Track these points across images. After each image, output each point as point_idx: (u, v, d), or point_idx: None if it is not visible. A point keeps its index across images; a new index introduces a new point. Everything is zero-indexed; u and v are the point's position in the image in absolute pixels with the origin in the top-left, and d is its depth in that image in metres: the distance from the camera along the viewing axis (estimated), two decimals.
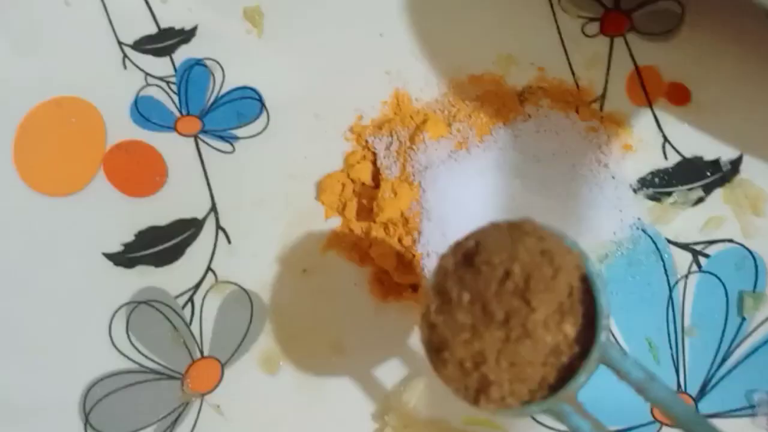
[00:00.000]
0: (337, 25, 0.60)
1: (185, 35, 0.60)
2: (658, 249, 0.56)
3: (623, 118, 0.59)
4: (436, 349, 0.36)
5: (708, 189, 0.57)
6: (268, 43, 0.60)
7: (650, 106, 0.59)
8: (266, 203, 0.57)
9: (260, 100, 0.59)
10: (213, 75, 0.59)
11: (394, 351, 0.52)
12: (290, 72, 0.59)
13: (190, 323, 0.54)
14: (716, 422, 0.44)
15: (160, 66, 0.59)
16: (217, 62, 0.60)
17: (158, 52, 0.59)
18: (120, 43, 0.59)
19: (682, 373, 0.53)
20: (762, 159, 0.56)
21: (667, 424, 0.52)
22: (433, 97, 0.59)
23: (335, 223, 0.56)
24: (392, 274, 0.50)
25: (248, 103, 0.59)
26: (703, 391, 0.52)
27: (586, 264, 0.36)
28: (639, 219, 0.56)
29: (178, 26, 0.60)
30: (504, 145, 0.54)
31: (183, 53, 0.59)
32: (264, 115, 0.59)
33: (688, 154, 0.58)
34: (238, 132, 0.58)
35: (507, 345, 0.33)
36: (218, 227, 0.56)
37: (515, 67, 0.60)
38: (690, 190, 0.57)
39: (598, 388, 0.47)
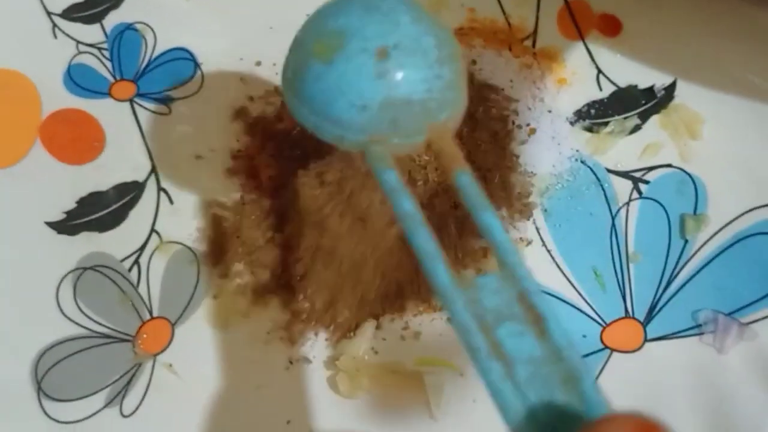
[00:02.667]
0: None
1: (114, 1, 0.60)
2: (598, 179, 0.57)
3: (556, 53, 0.60)
4: None
5: (644, 116, 0.58)
6: (198, 3, 0.61)
7: (582, 39, 0.60)
8: (205, 161, 0.58)
9: (193, 60, 0.60)
10: (145, 38, 0.60)
11: None
12: (222, 29, 0.61)
13: (138, 285, 0.55)
14: (664, 344, 0.51)
15: (91, 33, 0.60)
16: (148, 25, 0.60)
17: (88, 20, 0.60)
18: (48, 13, 0.60)
19: (629, 298, 0.55)
20: (695, 82, 0.57)
21: (616, 350, 0.52)
22: None
23: None
24: None
25: (182, 64, 0.60)
26: (650, 315, 0.54)
27: None
28: (577, 151, 0.58)
29: None
30: None
31: (113, 18, 0.61)
32: (198, 74, 0.60)
33: (622, 84, 0.59)
34: (174, 93, 0.59)
35: None
36: (159, 188, 0.57)
37: (446, 9, 0.61)
38: (626, 118, 0.58)
39: None
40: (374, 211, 0.50)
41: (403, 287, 0.55)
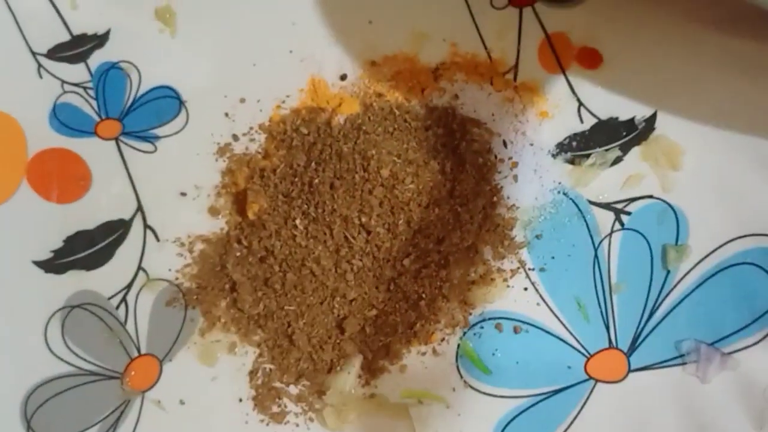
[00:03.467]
0: (249, 17, 0.62)
1: (99, 40, 0.61)
2: (580, 210, 0.58)
3: (537, 86, 0.60)
4: None
5: (625, 148, 0.59)
6: (182, 41, 0.62)
7: (563, 72, 0.60)
8: (190, 198, 0.59)
9: (178, 97, 0.61)
10: (129, 77, 0.61)
11: None
12: (206, 67, 0.61)
13: (125, 323, 0.56)
14: (648, 374, 0.52)
15: (76, 72, 0.60)
16: (133, 64, 0.61)
17: (73, 59, 0.61)
18: (33, 53, 0.60)
19: (612, 329, 0.55)
20: (675, 114, 0.58)
21: (600, 380, 0.51)
22: (350, 81, 0.60)
23: None
24: None
25: (167, 102, 0.61)
26: (634, 345, 0.54)
27: None
28: (559, 183, 0.58)
29: (90, 31, 0.61)
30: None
31: (98, 58, 0.61)
32: (183, 112, 0.61)
33: (603, 116, 0.60)
34: (159, 131, 0.60)
35: None
36: (146, 226, 0.58)
37: (428, 44, 0.61)
38: (607, 150, 0.58)
39: (527, 348, 0.51)
40: (359, 248, 0.50)
41: (392, 323, 0.56)
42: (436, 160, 0.56)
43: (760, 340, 0.52)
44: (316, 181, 0.55)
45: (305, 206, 0.56)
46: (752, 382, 0.51)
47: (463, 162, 0.57)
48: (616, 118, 0.59)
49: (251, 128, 0.61)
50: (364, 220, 0.54)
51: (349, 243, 0.54)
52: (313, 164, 0.56)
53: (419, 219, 0.54)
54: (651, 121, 0.59)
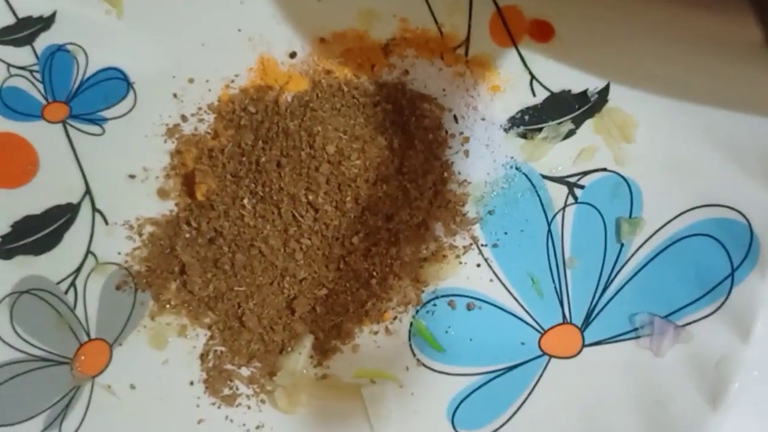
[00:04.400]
0: None
1: (44, 22, 0.61)
2: (533, 185, 0.58)
3: (489, 60, 0.60)
4: None
5: (578, 121, 0.58)
6: (128, 22, 0.61)
7: (515, 45, 0.60)
8: (139, 180, 0.58)
9: (126, 79, 0.60)
10: (76, 59, 0.60)
11: None
12: (154, 48, 0.61)
13: (75, 307, 0.55)
14: (602, 348, 0.52)
15: (22, 55, 0.60)
16: (80, 46, 0.61)
17: (18, 42, 0.60)
18: None
19: (566, 304, 0.55)
20: (628, 86, 0.57)
21: (554, 356, 0.51)
22: (299, 59, 0.61)
23: None
24: None
25: (114, 84, 0.61)
26: (587, 320, 0.54)
27: None
28: (512, 158, 0.58)
29: (36, 14, 0.61)
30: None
31: (44, 40, 0.61)
32: (131, 93, 0.60)
33: (555, 89, 0.59)
34: (107, 113, 0.60)
35: None
36: (94, 209, 0.57)
37: (377, 20, 0.61)
38: (560, 124, 0.58)
39: (481, 325, 0.52)
40: (307, 226, 0.50)
41: (343, 303, 0.56)
42: (383, 136, 0.55)
43: (713, 312, 0.52)
44: (263, 159, 0.55)
45: (253, 185, 0.56)
46: (706, 355, 0.51)
47: (413, 138, 0.56)
48: (569, 91, 0.59)
49: (200, 108, 0.60)
50: (311, 197, 0.53)
51: (297, 222, 0.54)
52: (260, 143, 0.56)
53: (367, 196, 0.54)
54: (604, 93, 0.59)
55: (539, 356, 0.54)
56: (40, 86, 0.59)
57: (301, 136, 0.54)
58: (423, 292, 0.55)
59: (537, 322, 0.54)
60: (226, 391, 0.53)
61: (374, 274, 0.55)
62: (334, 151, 0.53)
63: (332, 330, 0.54)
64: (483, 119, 0.59)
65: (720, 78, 0.55)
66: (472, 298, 0.55)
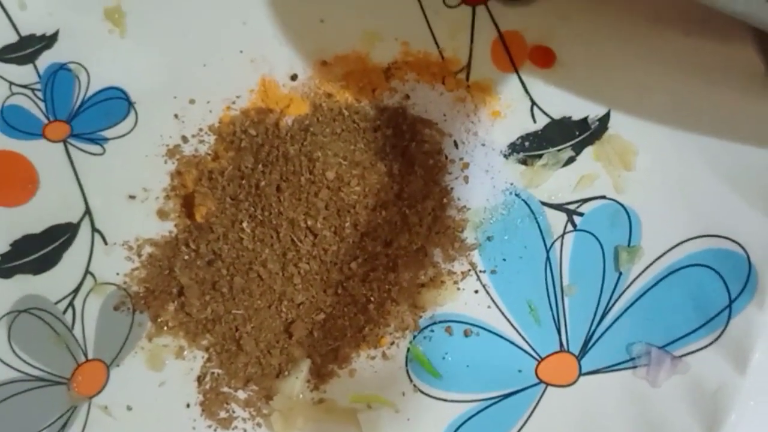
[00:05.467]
0: (200, 17, 0.62)
1: (47, 41, 0.61)
2: (532, 212, 0.58)
3: (490, 86, 0.60)
4: None
5: (578, 148, 0.58)
6: (131, 42, 0.62)
7: (516, 71, 0.60)
8: (139, 201, 0.59)
9: (127, 99, 0.61)
10: (78, 78, 0.61)
11: None
12: (156, 68, 0.61)
13: (73, 327, 0.56)
14: (599, 377, 0.51)
15: (24, 74, 0.60)
16: (82, 65, 0.61)
17: (21, 60, 0.61)
18: None
19: (564, 332, 0.55)
20: (629, 113, 0.58)
21: (551, 384, 0.52)
22: (300, 81, 0.61)
23: None
24: None
25: (116, 104, 0.61)
26: (585, 349, 0.54)
27: None
28: (511, 184, 0.58)
29: (39, 32, 0.61)
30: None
31: (46, 59, 0.61)
32: (132, 113, 0.61)
33: (556, 116, 0.59)
34: (107, 133, 0.60)
35: None
36: (93, 229, 0.58)
37: (380, 43, 0.61)
38: (560, 150, 0.58)
39: (478, 352, 0.53)
40: (306, 251, 0.50)
41: (341, 327, 0.56)
42: (383, 162, 0.56)
43: (711, 343, 0.52)
44: (263, 183, 0.55)
45: (252, 209, 0.56)
46: (702, 385, 0.51)
47: (413, 163, 0.57)
48: (570, 118, 0.59)
49: (201, 129, 0.61)
50: (310, 222, 0.54)
51: (295, 246, 0.54)
52: (260, 166, 0.56)
53: (366, 222, 0.54)
54: (604, 120, 0.59)
55: (536, 384, 0.54)
56: (42, 105, 0.60)
57: (301, 161, 0.55)
58: (420, 317, 0.55)
59: (534, 350, 0.54)
60: (223, 414, 0.53)
61: (372, 299, 0.55)
62: (333, 177, 0.54)
63: (329, 354, 0.55)
64: (483, 145, 0.59)
65: (721, 108, 0.55)
66: (469, 324, 0.55)
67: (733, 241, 0.53)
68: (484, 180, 0.59)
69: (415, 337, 0.55)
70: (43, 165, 0.59)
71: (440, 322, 0.56)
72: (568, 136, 0.59)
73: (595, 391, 0.53)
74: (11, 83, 0.60)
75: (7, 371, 0.54)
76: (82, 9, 0.61)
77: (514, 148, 0.59)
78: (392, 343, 0.55)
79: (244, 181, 0.57)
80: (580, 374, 0.54)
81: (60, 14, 0.62)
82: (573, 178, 0.58)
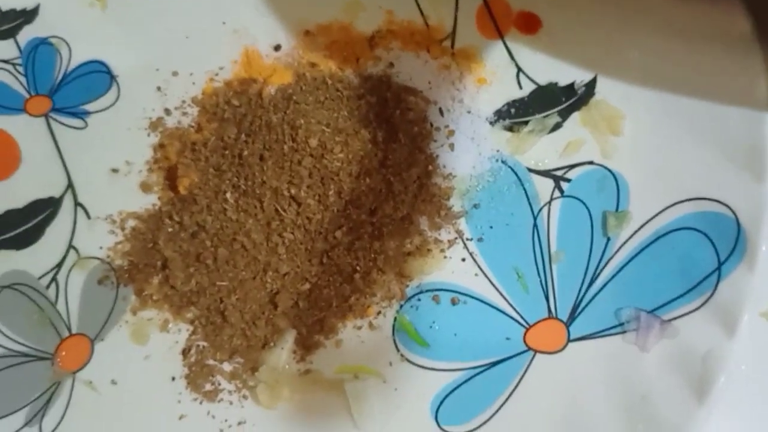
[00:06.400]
0: None
1: (27, 15, 0.61)
2: (519, 178, 0.58)
3: (475, 53, 0.60)
4: None
5: (564, 114, 0.58)
6: (112, 15, 0.62)
7: (501, 37, 0.60)
8: (122, 174, 0.59)
9: (109, 72, 0.61)
10: (59, 52, 0.61)
11: None
12: (137, 41, 0.61)
13: (56, 302, 0.56)
14: (588, 343, 0.52)
15: (5, 48, 0.61)
16: (63, 39, 0.61)
17: (1, 35, 0.61)
18: None
19: (552, 299, 0.55)
20: (616, 78, 0.58)
21: (539, 351, 0.51)
22: (284, 51, 0.61)
23: None
24: None
25: (97, 77, 0.61)
26: (573, 315, 0.54)
27: None
28: (498, 151, 0.59)
29: (19, 7, 0.61)
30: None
31: (27, 33, 0.61)
32: (114, 87, 0.61)
33: (542, 82, 0.59)
34: (89, 107, 0.60)
35: None
36: (76, 203, 0.58)
37: (363, 12, 0.61)
38: (546, 116, 0.58)
39: (465, 320, 0.53)
40: (290, 220, 0.50)
41: (326, 297, 0.56)
42: (367, 129, 0.56)
43: (699, 307, 0.52)
44: (246, 153, 0.55)
45: (236, 179, 0.56)
46: (692, 350, 0.51)
47: (397, 131, 0.57)
48: (556, 84, 0.59)
49: (183, 102, 0.61)
50: (293, 191, 0.54)
51: (279, 216, 0.54)
52: (243, 136, 0.57)
53: (350, 189, 0.54)
54: (591, 86, 0.59)
55: (524, 351, 0.54)
56: (23, 79, 0.60)
57: (284, 129, 0.55)
58: (407, 286, 0.56)
59: (522, 317, 0.54)
60: (208, 387, 0.54)
61: (358, 268, 0.55)
62: (316, 145, 0.54)
63: (315, 325, 0.55)
64: (469, 112, 0.59)
65: (708, 70, 0.55)
66: (456, 292, 0.56)
67: (722, 203, 0.53)
68: (470, 147, 0.59)
69: (401, 306, 0.55)
70: (25, 140, 0.59)
71: (427, 290, 0.56)
72: (554, 102, 0.59)
73: (584, 357, 0.53)
74: None
75: None
76: None
77: (500, 115, 0.59)
78: (379, 313, 0.56)
79: (227, 152, 0.57)
80: (569, 341, 0.54)
81: None
82: (560, 144, 0.58)
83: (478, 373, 0.53)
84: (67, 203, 0.58)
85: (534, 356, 0.54)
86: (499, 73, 0.60)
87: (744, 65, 0.53)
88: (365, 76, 0.60)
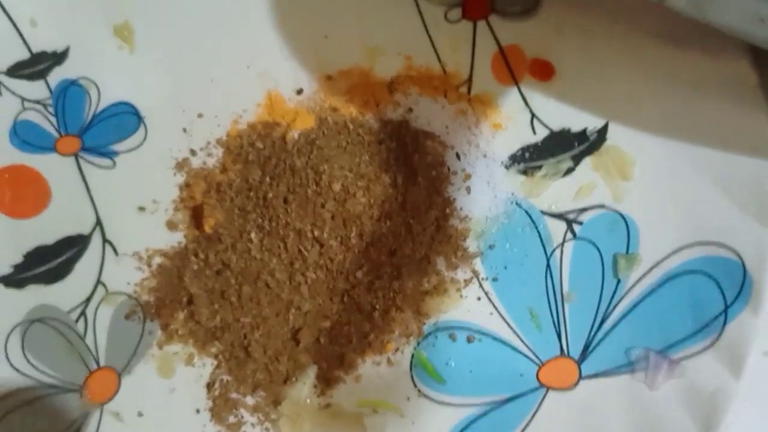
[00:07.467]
0: (207, 33, 0.64)
1: (58, 57, 0.63)
2: (532, 221, 0.60)
3: (491, 98, 0.62)
4: None
5: (577, 159, 0.61)
6: (140, 58, 0.64)
7: (516, 83, 0.62)
8: (148, 212, 0.61)
9: (137, 113, 0.63)
10: (89, 93, 0.63)
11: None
12: (165, 83, 0.63)
13: (85, 336, 0.58)
14: (599, 381, 0.53)
15: (36, 89, 0.62)
16: (92, 81, 0.63)
17: (33, 77, 0.63)
18: None
19: (564, 337, 0.57)
20: (627, 125, 0.60)
21: (551, 388, 0.54)
22: (306, 95, 0.63)
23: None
24: None
25: (125, 118, 0.63)
26: (584, 354, 0.56)
27: None
28: (512, 194, 0.61)
29: (50, 49, 0.63)
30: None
31: (57, 75, 0.63)
32: (142, 127, 0.62)
33: (555, 127, 0.61)
34: (118, 147, 0.62)
35: None
36: (104, 240, 0.60)
37: (383, 57, 0.64)
38: (559, 161, 0.60)
39: (480, 357, 0.55)
40: (313, 260, 0.53)
41: (347, 334, 0.58)
42: (387, 174, 0.58)
43: (707, 348, 0.54)
44: (270, 195, 0.57)
45: (260, 220, 0.58)
46: (699, 388, 0.53)
47: (416, 174, 0.59)
48: (569, 129, 0.61)
49: (209, 143, 0.63)
50: (317, 233, 0.56)
51: (302, 256, 0.56)
52: (267, 179, 0.59)
53: (371, 231, 0.57)
54: (603, 132, 0.61)
55: (537, 388, 0.56)
56: (53, 120, 0.62)
57: (308, 173, 0.58)
58: (424, 324, 0.58)
59: (535, 355, 0.56)
60: (232, 420, 0.56)
61: (377, 306, 0.57)
62: (339, 189, 0.57)
63: (336, 360, 0.57)
64: (485, 156, 0.61)
65: (715, 119, 0.57)
66: (472, 330, 0.57)
67: (729, 248, 0.55)
68: (486, 190, 0.60)
69: (419, 343, 0.57)
70: (55, 178, 0.61)
71: (444, 328, 0.58)
72: (567, 147, 0.61)
73: (594, 395, 0.55)
74: (23, 99, 0.62)
75: (20, 379, 0.56)
76: (92, 26, 0.63)
77: (514, 159, 0.61)
78: (397, 349, 0.58)
79: (251, 193, 0.59)
80: (580, 378, 0.56)
81: (70, 31, 0.63)
82: (572, 188, 0.60)
83: (492, 409, 0.55)
84: (96, 240, 0.60)
85: (546, 393, 0.55)
86: (514, 119, 0.62)
87: (751, 115, 0.56)
88: (385, 120, 0.61)
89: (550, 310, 0.58)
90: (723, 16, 0.47)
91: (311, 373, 0.56)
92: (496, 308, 0.58)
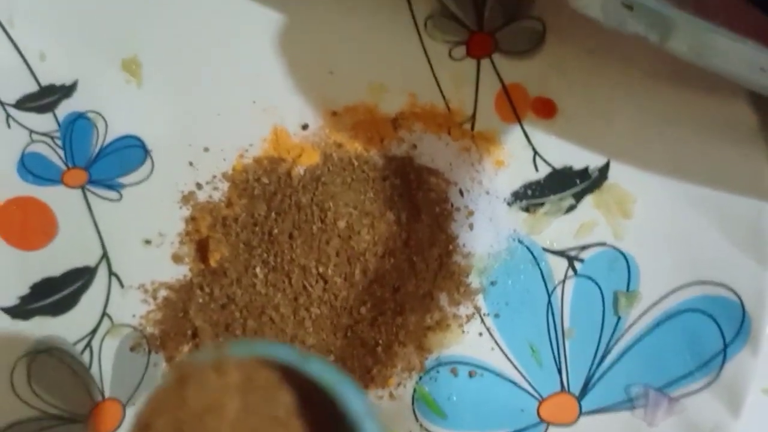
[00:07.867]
0: (214, 68, 0.65)
1: (66, 90, 0.64)
2: (534, 258, 0.61)
3: (494, 136, 0.63)
4: None
5: (578, 196, 0.62)
6: (147, 92, 0.64)
7: (519, 121, 0.63)
8: (155, 245, 0.62)
9: (144, 147, 0.64)
10: (96, 127, 0.63)
11: None
12: (171, 117, 0.64)
13: (90, 367, 0.58)
14: (598, 417, 0.55)
15: (44, 122, 0.63)
16: (100, 114, 0.64)
17: (41, 109, 0.63)
18: (2, 103, 0.63)
19: (565, 373, 0.58)
20: (628, 163, 0.61)
21: (552, 423, 0.55)
22: (311, 130, 0.64)
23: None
24: None
25: (132, 151, 0.64)
26: (585, 390, 0.58)
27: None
28: (514, 231, 0.62)
29: (58, 83, 0.64)
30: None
31: (65, 108, 0.64)
32: (148, 161, 0.63)
33: (557, 165, 0.62)
34: (124, 179, 0.63)
35: None
36: (110, 273, 0.61)
37: (387, 94, 0.64)
38: (561, 199, 0.61)
39: (482, 392, 0.56)
40: (317, 296, 0.54)
41: (350, 368, 0.59)
42: (392, 211, 0.60)
43: (706, 386, 0.55)
44: (276, 231, 0.59)
45: (265, 255, 0.59)
46: (698, 426, 0.54)
47: (420, 211, 0.60)
48: (571, 167, 0.62)
49: (214, 177, 0.64)
50: (321, 269, 0.57)
51: (307, 291, 0.58)
52: (273, 214, 0.60)
53: (375, 268, 0.58)
54: (604, 170, 0.62)
55: (538, 424, 0.57)
56: (61, 152, 0.63)
57: (313, 210, 0.59)
58: (427, 359, 0.59)
59: (536, 390, 0.58)
60: None
61: (380, 342, 0.58)
62: (344, 227, 0.58)
63: None
64: (487, 193, 0.62)
65: (716, 158, 0.58)
66: (473, 366, 0.59)
67: (728, 288, 0.56)
68: (488, 227, 0.62)
69: (421, 378, 0.59)
70: (61, 210, 0.62)
71: (446, 363, 0.59)
72: (569, 184, 0.62)
73: (594, 431, 0.56)
74: (31, 131, 0.63)
75: (26, 410, 0.58)
76: (101, 60, 0.64)
77: (517, 196, 0.62)
78: (399, 384, 0.59)
79: (257, 228, 0.60)
80: (581, 414, 0.57)
81: (79, 65, 0.64)
82: (574, 226, 0.61)
83: None
84: (102, 272, 0.61)
85: (547, 428, 0.57)
86: (517, 156, 0.63)
87: (750, 156, 0.57)
88: (389, 157, 0.62)
89: (551, 346, 0.59)
90: (724, 65, 0.47)
91: None
92: (497, 344, 0.59)
